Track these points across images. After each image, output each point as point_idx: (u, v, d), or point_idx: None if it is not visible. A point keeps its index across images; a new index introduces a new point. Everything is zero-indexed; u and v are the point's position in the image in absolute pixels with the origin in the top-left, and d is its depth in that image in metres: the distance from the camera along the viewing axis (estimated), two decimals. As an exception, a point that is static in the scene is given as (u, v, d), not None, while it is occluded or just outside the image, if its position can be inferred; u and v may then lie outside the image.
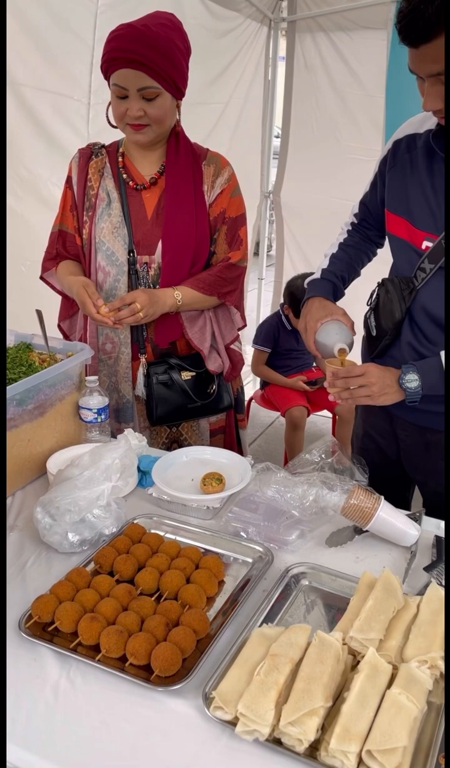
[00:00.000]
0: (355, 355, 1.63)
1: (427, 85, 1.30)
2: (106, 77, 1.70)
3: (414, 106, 1.43)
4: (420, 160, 1.49)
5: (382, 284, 1.59)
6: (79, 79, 2.47)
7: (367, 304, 1.65)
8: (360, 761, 0.87)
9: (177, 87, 1.71)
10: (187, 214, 1.83)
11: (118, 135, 1.87)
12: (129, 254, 1.83)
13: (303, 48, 3.81)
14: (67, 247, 1.93)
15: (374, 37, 3.49)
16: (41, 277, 2.00)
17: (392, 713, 0.91)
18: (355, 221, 1.78)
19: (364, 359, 1.67)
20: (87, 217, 1.87)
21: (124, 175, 1.85)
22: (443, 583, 1.22)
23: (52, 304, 2.00)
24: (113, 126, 1.81)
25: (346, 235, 1.79)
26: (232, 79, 3.48)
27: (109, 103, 1.75)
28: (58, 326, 2.04)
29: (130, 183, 1.85)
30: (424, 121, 1.52)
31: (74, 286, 1.79)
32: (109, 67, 1.67)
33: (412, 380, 1.44)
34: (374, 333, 1.61)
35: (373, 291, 1.63)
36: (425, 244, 1.47)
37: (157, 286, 1.84)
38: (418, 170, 1.50)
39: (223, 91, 3.39)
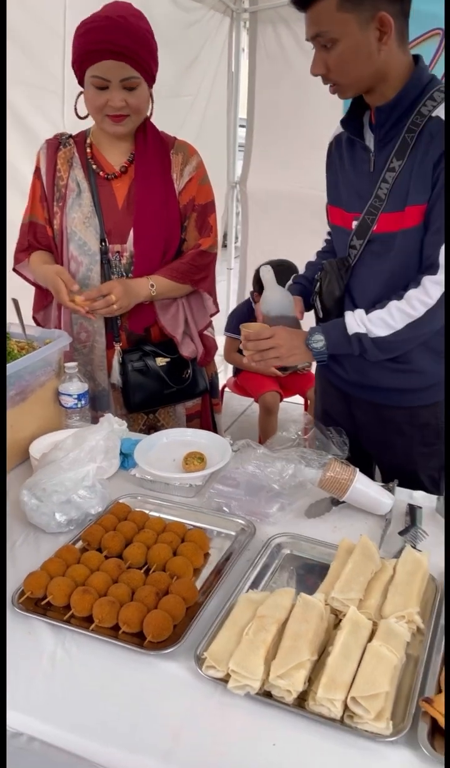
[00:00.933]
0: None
1: (314, 51, 1.42)
2: (83, 69, 1.69)
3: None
4: (344, 153, 1.62)
5: (322, 268, 1.69)
6: (53, 71, 2.48)
7: (314, 291, 1.74)
8: (345, 708, 0.93)
9: (152, 75, 1.74)
10: (157, 202, 1.86)
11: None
12: (101, 243, 1.85)
13: (265, 38, 3.84)
14: (38, 238, 1.94)
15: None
16: (14, 269, 2.01)
17: (374, 663, 0.97)
18: (330, 230, 1.86)
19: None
20: (57, 208, 1.88)
21: (94, 166, 1.87)
22: (417, 546, 1.29)
23: (25, 295, 1.99)
24: (81, 117, 1.82)
25: (323, 244, 1.89)
26: (200, 70, 3.51)
27: (79, 95, 1.76)
28: (33, 318, 2.05)
29: (100, 173, 1.86)
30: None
31: (48, 274, 1.81)
32: (87, 58, 1.66)
33: (318, 340, 1.55)
34: (321, 315, 1.70)
35: (317, 277, 1.71)
36: (353, 223, 1.57)
37: (130, 275, 1.87)
38: (344, 162, 1.62)
39: (192, 83, 3.42)
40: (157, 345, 1.95)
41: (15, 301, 1.76)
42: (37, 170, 1.91)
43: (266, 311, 1.68)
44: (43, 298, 2.03)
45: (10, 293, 1.88)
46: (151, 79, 1.74)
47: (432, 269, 1.45)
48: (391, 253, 1.51)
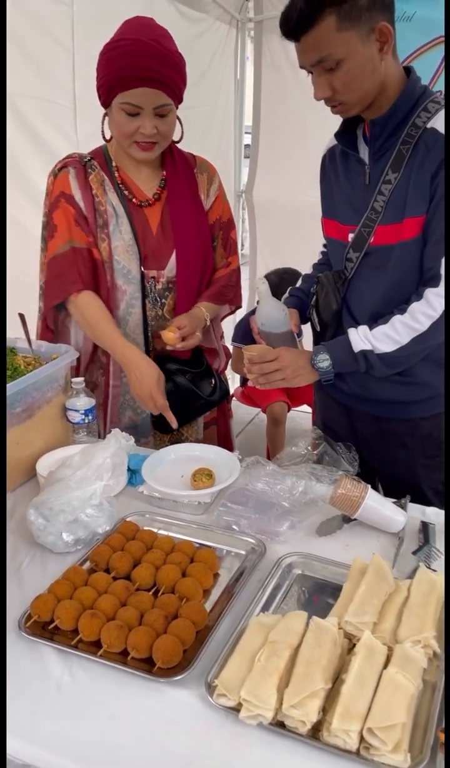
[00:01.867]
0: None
1: (315, 75, 1.40)
2: (112, 94, 1.62)
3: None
4: (339, 165, 1.61)
5: (317, 281, 1.67)
6: (64, 85, 2.46)
7: (311, 304, 1.72)
8: (361, 739, 0.90)
9: (182, 98, 1.70)
10: (193, 225, 1.85)
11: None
12: (140, 269, 1.81)
13: (270, 47, 3.84)
14: (84, 266, 1.77)
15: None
16: (50, 305, 1.82)
17: (390, 692, 0.94)
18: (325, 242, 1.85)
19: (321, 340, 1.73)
20: (104, 235, 1.78)
21: (126, 192, 1.81)
22: (431, 566, 1.26)
23: (23, 308, 1.94)
24: (106, 141, 1.79)
25: (319, 256, 1.88)
26: (208, 81, 3.51)
27: (104, 116, 1.72)
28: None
29: (134, 200, 1.81)
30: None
31: (142, 366, 1.73)
32: (119, 84, 1.60)
33: (324, 360, 1.53)
34: (318, 328, 1.69)
35: (313, 290, 1.70)
36: (350, 236, 1.56)
37: (165, 301, 1.86)
38: (338, 174, 1.61)
39: (201, 94, 3.41)
40: (181, 361, 1.90)
41: (21, 316, 1.74)
42: (69, 197, 1.76)
43: (261, 324, 1.67)
44: (45, 337, 1.90)
45: (15, 305, 1.86)
46: (179, 102, 1.70)
47: (434, 281, 1.43)
48: (389, 266, 1.50)
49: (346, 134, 1.56)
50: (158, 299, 1.85)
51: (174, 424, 1.79)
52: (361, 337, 1.49)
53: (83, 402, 1.67)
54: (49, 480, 1.41)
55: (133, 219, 1.80)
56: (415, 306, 1.44)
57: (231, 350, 2.23)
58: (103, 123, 1.75)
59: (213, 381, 1.99)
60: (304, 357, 1.55)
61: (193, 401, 1.92)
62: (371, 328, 1.49)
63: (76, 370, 1.90)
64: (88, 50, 1.67)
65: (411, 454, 1.67)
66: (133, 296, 1.82)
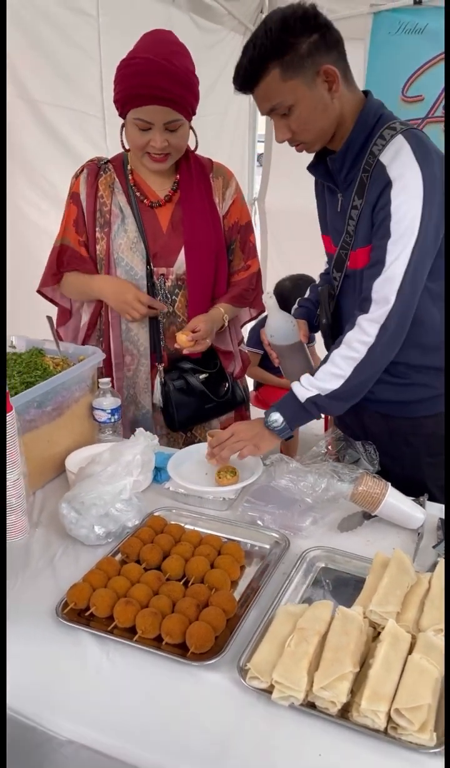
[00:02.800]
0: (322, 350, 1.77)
1: (273, 120, 1.48)
2: (125, 109, 1.71)
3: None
4: (324, 192, 1.68)
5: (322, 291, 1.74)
6: (93, 95, 2.53)
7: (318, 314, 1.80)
8: (389, 720, 0.95)
9: (194, 112, 1.76)
10: (205, 224, 1.90)
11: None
12: (146, 267, 1.87)
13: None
14: (68, 260, 1.90)
15: (351, 47, 3.52)
16: (39, 291, 1.98)
17: (415, 675, 0.99)
18: None
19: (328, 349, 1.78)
20: (103, 234, 1.87)
21: (138, 193, 1.88)
22: (451, 560, 1.30)
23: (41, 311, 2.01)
24: (126, 150, 1.86)
25: (325, 266, 1.93)
26: (227, 90, 3.56)
27: (123, 127, 1.79)
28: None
29: (145, 201, 1.88)
30: None
31: (113, 281, 1.83)
32: (130, 101, 1.67)
33: (276, 420, 1.53)
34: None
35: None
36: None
37: (175, 298, 1.91)
38: (325, 197, 1.69)
39: (215, 103, 3.48)
40: (194, 361, 1.96)
41: (49, 319, 1.80)
42: (76, 195, 1.89)
43: (270, 336, 1.72)
44: (63, 317, 2.03)
45: (43, 308, 1.92)
46: (191, 116, 1.76)
47: (365, 305, 1.46)
48: (358, 289, 1.54)
49: (319, 165, 1.61)
50: (168, 296, 1.90)
51: (162, 307, 1.86)
52: (305, 386, 1.51)
53: (109, 402, 1.72)
54: (79, 476, 1.46)
55: (142, 219, 1.87)
56: (350, 335, 1.48)
57: (248, 355, 2.27)
58: (121, 134, 1.83)
59: (227, 385, 2.02)
60: (258, 423, 1.57)
61: (203, 402, 1.97)
62: (315, 372, 1.52)
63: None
64: (114, 61, 1.72)
65: (415, 451, 1.70)
66: None
